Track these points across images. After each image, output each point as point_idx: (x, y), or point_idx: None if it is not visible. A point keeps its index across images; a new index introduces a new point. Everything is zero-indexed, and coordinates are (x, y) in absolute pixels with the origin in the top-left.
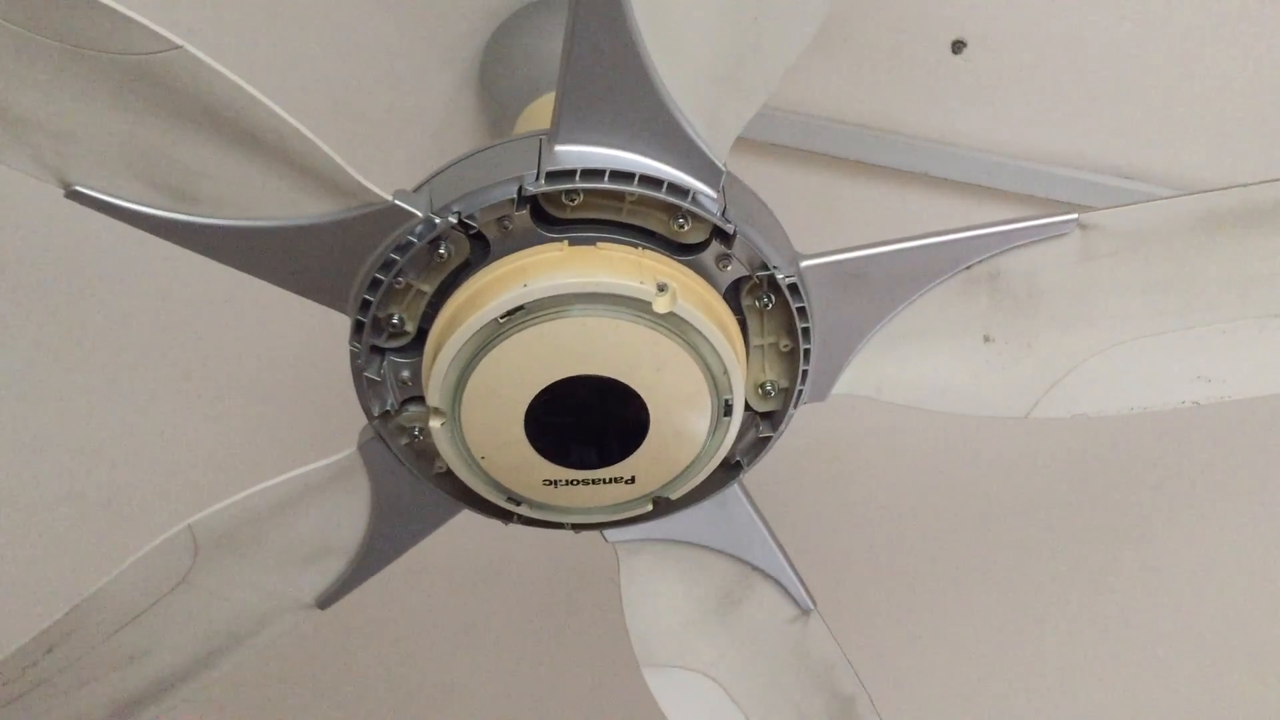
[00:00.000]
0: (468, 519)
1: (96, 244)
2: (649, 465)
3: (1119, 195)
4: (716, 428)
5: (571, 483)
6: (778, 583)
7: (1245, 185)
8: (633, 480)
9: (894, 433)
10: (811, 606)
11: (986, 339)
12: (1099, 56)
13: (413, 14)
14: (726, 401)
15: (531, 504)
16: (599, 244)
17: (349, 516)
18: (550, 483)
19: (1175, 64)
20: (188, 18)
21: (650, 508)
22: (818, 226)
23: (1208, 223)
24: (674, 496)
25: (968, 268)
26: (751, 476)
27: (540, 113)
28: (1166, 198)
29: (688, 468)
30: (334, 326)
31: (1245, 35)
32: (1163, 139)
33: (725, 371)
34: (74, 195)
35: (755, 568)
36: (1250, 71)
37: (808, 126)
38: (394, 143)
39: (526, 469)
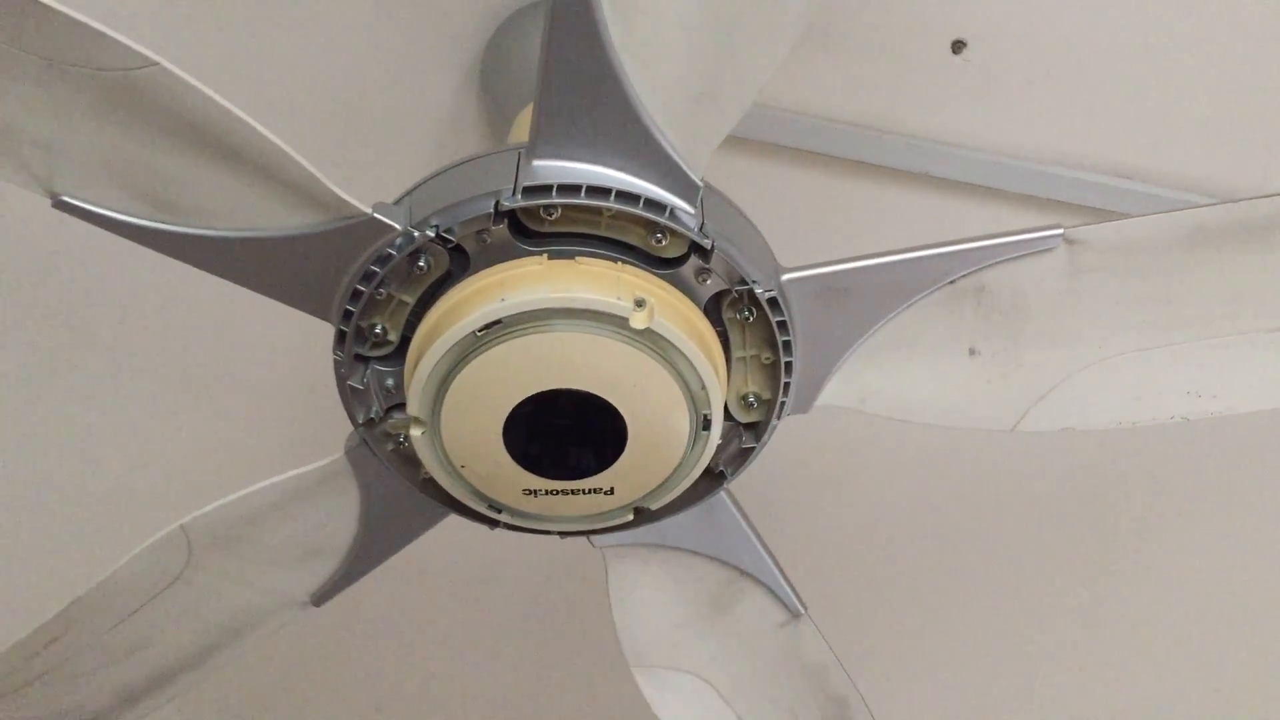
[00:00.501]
0: (460, 520)
1: (93, 246)
2: (627, 477)
3: (1119, 195)
4: (695, 442)
5: (551, 493)
6: (767, 587)
7: (1235, 201)
8: (612, 491)
9: (885, 439)
10: (802, 610)
11: (972, 352)
12: (1099, 56)
13: (413, 15)
14: (705, 416)
15: (512, 512)
16: (578, 258)
17: (339, 519)
18: (530, 492)
19: (1175, 64)
20: (188, 19)
21: (630, 518)
22: (817, 227)
23: (1196, 238)
24: (654, 507)
25: (952, 281)
26: (742, 482)
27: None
28: (1154, 214)
29: (666, 480)
30: (328, 329)
31: (1245, 36)
32: (1163, 139)
33: (703, 387)
34: (61, 205)
35: (744, 572)
36: (1250, 72)
37: (808, 126)
38: (394, 144)
39: (506, 478)
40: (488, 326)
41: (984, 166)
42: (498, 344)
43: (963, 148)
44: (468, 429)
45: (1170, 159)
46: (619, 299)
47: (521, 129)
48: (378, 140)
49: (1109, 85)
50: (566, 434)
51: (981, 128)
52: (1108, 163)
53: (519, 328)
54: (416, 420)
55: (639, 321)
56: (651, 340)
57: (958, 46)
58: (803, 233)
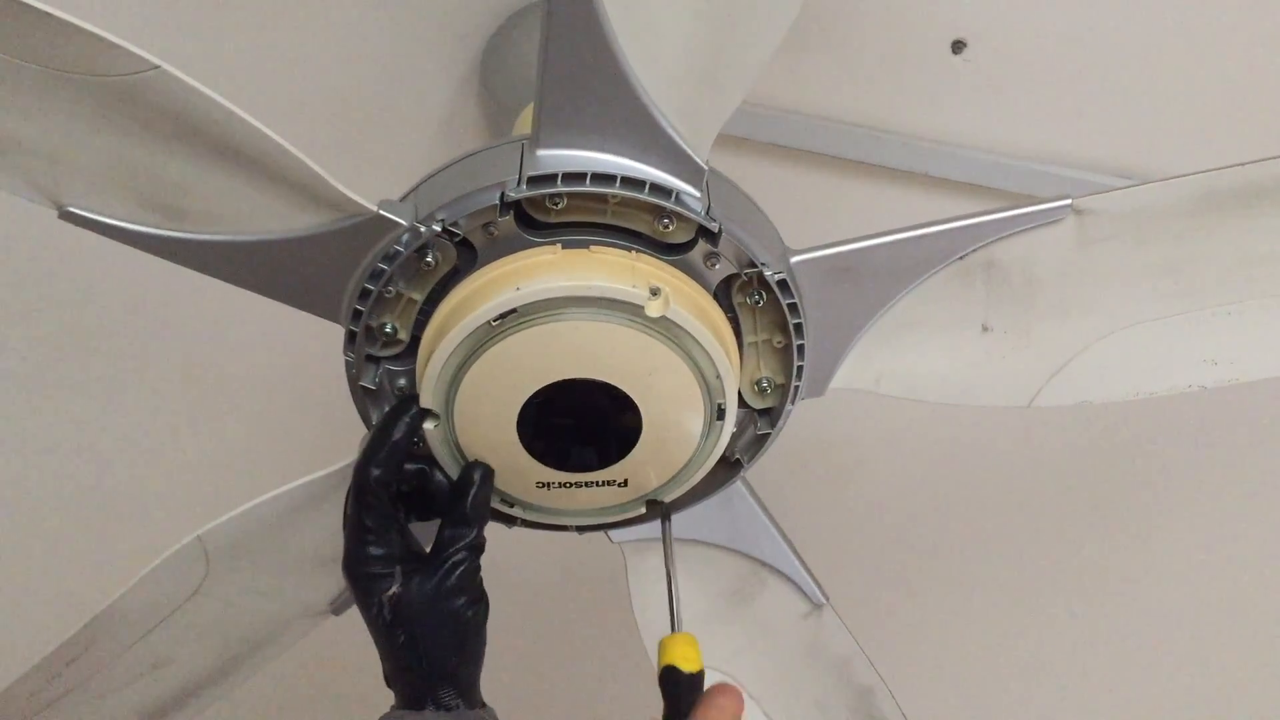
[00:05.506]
0: None
1: (100, 245)
2: (641, 468)
3: None
4: (709, 431)
5: (564, 485)
6: (788, 578)
7: (1243, 164)
8: (625, 483)
9: (897, 428)
10: (824, 601)
11: (985, 328)
12: (1099, 56)
13: (413, 14)
14: (719, 405)
15: (525, 506)
16: (592, 247)
17: None
18: (543, 485)
19: (1175, 64)
20: (188, 20)
21: (643, 510)
22: (817, 227)
23: (1207, 203)
24: (667, 499)
25: (961, 257)
26: (756, 472)
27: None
28: (1163, 180)
29: (681, 471)
30: (338, 329)
31: (1246, 36)
32: (1163, 139)
33: (718, 376)
34: (67, 216)
35: (765, 564)
36: (1250, 72)
37: (808, 126)
38: (394, 145)
39: (519, 471)
40: (502, 316)
41: (984, 166)
42: (512, 334)
43: (963, 148)
44: (481, 421)
45: (1170, 159)
46: (634, 287)
47: (524, 127)
48: (378, 141)
49: (1109, 85)
50: (580, 425)
51: (981, 128)
52: (1108, 163)
53: (533, 317)
54: (429, 413)
55: (654, 309)
56: (666, 328)
57: (958, 46)
58: (803, 233)
